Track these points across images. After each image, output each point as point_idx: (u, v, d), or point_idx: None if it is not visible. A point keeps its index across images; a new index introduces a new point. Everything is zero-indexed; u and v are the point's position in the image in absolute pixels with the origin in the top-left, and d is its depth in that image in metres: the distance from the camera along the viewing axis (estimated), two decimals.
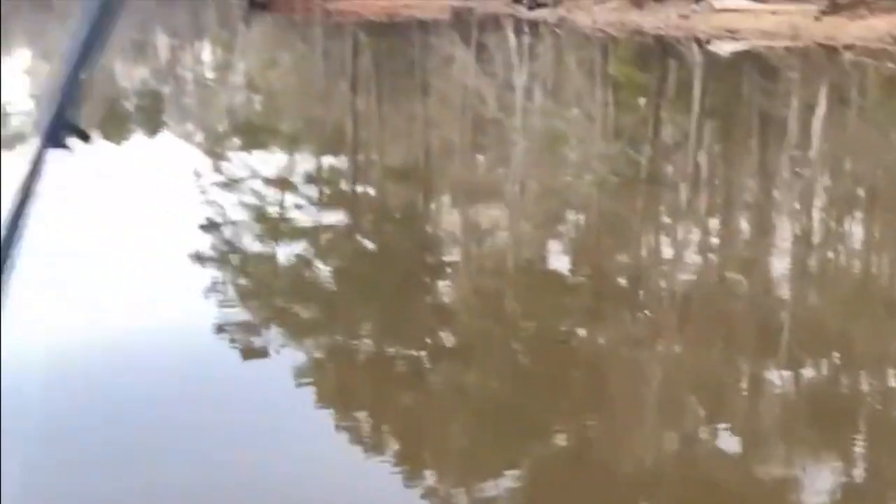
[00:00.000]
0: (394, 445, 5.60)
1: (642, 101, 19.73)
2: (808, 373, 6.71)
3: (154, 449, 5.34)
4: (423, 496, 4.98)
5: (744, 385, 6.57)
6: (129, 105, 21.34)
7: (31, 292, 7.78)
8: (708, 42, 26.04)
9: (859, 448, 5.65)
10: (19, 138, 15.74)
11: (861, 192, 12.08)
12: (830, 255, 9.66)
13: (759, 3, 27.05)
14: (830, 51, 23.02)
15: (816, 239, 10.08)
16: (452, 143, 15.71)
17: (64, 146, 1.09)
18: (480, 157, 14.89)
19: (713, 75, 22.79)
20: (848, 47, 22.55)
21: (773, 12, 26.19)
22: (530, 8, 33.77)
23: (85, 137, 1.10)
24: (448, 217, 11.42)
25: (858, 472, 5.39)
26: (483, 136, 16.40)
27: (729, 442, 5.67)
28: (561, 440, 5.74)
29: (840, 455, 5.49)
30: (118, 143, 15.99)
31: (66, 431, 5.54)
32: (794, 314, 7.82)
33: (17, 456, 4.94)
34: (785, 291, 8.42)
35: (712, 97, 19.64)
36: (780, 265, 9.08)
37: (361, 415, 6.02)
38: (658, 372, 6.68)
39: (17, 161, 1.08)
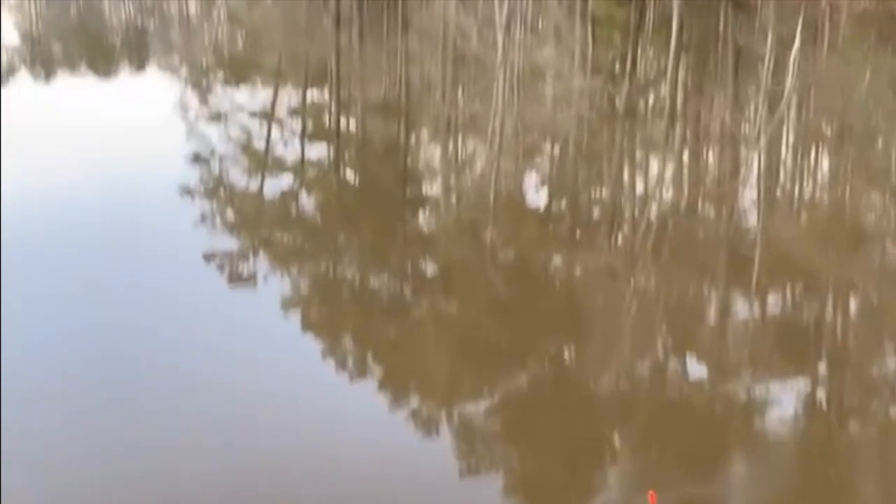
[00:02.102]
0: (377, 370, 5.85)
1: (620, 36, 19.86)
2: (774, 299, 7.05)
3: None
4: (406, 418, 5.22)
5: (713, 311, 6.90)
6: (116, 40, 21.32)
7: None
8: None
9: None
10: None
11: (828, 124, 12.37)
12: (798, 184, 9.99)
13: None
14: None
15: (785, 170, 10.41)
16: (433, 78, 15.83)
17: None
18: (460, 91, 15.03)
19: (691, 12, 22.82)
20: None
21: None
22: None
23: None
24: (427, 150, 11.64)
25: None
26: (463, 70, 16.52)
27: (698, 365, 6.02)
28: (537, 365, 5.99)
29: (803, 377, 5.87)
30: (105, 76, 16.10)
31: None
32: (762, 242, 8.15)
33: None
34: (753, 221, 8.72)
35: (689, 33, 19.74)
36: (749, 195, 9.42)
37: (345, 340, 6.27)
38: (631, 299, 7.00)
39: None
